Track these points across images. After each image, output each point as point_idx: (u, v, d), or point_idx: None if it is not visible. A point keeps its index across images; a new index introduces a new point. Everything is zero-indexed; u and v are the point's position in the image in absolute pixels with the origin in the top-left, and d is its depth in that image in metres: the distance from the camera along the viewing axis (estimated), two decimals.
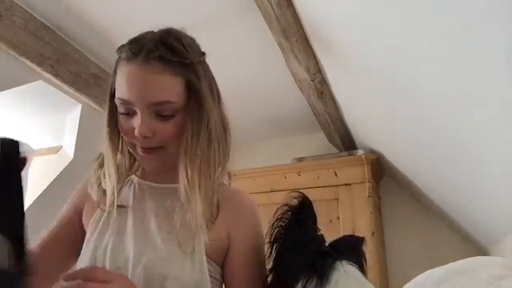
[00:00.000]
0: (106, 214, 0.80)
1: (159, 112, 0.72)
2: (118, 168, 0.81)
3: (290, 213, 0.77)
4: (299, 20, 1.71)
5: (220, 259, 0.78)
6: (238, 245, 0.79)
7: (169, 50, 0.73)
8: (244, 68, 2.25)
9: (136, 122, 0.72)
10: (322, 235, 0.78)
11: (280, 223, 0.77)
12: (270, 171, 2.55)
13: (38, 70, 1.90)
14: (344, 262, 0.73)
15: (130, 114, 0.74)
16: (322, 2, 1.50)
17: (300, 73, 1.98)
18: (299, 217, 0.76)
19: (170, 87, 0.72)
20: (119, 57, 0.76)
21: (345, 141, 2.65)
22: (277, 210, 0.79)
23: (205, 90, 0.76)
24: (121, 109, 0.75)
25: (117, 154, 0.81)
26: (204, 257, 0.74)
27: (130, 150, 0.79)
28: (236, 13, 1.85)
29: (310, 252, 0.72)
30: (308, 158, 2.61)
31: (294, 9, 1.65)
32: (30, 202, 2.24)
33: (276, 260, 0.76)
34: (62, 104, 2.20)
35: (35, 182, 2.31)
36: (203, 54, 0.82)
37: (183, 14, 1.91)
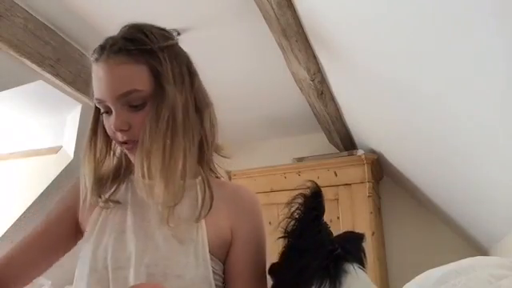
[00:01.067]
0: (103, 212, 0.80)
1: (129, 103, 0.73)
2: (115, 169, 0.82)
3: (304, 205, 0.75)
4: (299, 20, 1.71)
5: (223, 256, 0.78)
6: (241, 241, 0.78)
7: (128, 41, 0.73)
8: (244, 68, 2.25)
9: (111, 119, 0.74)
10: (331, 232, 0.78)
11: (295, 215, 0.75)
12: (269, 171, 2.55)
13: (38, 70, 1.90)
14: (355, 265, 0.72)
15: (109, 112, 0.75)
16: (322, 2, 1.50)
17: (300, 73, 1.98)
18: (314, 212, 0.74)
19: (133, 76, 0.72)
20: (91, 61, 0.78)
21: (345, 141, 2.65)
22: (293, 199, 0.76)
23: (169, 76, 0.75)
24: (101, 109, 0.77)
25: (95, 156, 0.80)
26: (207, 254, 0.74)
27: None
28: (236, 13, 1.85)
29: (324, 255, 0.71)
30: (308, 157, 2.61)
31: (294, 9, 1.65)
32: (30, 203, 2.24)
33: (288, 258, 0.74)
34: (62, 104, 2.20)
35: (34, 182, 2.31)
36: (170, 39, 0.79)
37: (183, 15, 1.91)
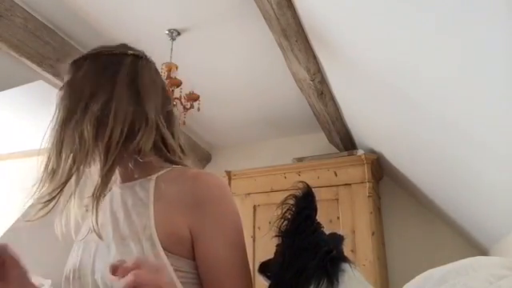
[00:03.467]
0: (82, 227, 0.80)
1: None
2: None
3: (295, 205, 0.75)
4: (299, 20, 1.71)
5: (183, 251, 0.72)
6: (203, 237, 0.72)
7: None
8: (244, 68, 2.25)
9: None
10: (325, 232, 0.77)
11: (287, 215, 0.75)
12: (269, 171, 2.55)
13: (38, 70, 1.90)
14: (351, 265, 0.72)
15: None
16: (322, 2, 1.50)
17: (300, 73, 1.98)
18: (305, 211, 0.74)
19: None
20: None
21: (345, 141, 2.65)
22: (285, 200, 0.76)
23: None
24: None
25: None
26: (161, 251, 0.69)
27: None
28: (236, 13, 1.85)
29: (322, 254, 0.70)
30: (308, 157, 2.61)
31: (294, 9, 1.65)
32: (30, 203, 2.24)
33: (285, 258, 0.73)
34: None
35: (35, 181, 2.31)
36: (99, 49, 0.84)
37: (183, 15, 1.91)
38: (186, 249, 0.72)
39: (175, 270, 0.70)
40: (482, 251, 2.27)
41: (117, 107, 0.75)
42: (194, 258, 0.73)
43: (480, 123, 1.32)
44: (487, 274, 0.57)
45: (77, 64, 0.82)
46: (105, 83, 0.77)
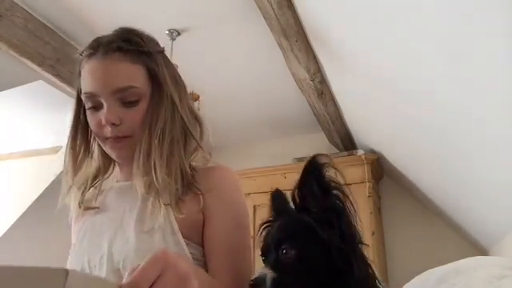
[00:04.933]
0: (86, 220, 0.81)
1: (124, 99, 0.75)
2: (94, 174, 0.83)
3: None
4: (299, 20, 1.71)
5: (197, 236, 0.76)
6: (214, 220, 0.77)
7: (125, 41, 0.77)
8: (244, 68, 2.25)
9: (102, 112, 0.76)
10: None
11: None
12: (269, 171, 2.55)
13: (38, 70, 1.91)
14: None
15: (97, 107, 0.76)
16: (322, 3, 1.50)
17: (300, 73, 1.98)
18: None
19: (130, 73, 0.76)
20: (81, 58, 0.80)
21: (345, 141, 2.65)
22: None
23: (166, 77, 0.79)
24: (88, 104, 0.78)
25: (78, 153, 0.82)
26: (181, 239, 0.72)
27: (102, 146, 0.81)
28: (236, 13, 1.85)
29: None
30: (308, 157, 2.60)
31: (294, 9, 1.65)
32: (30, 203, 2.24)
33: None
34: (62, 104, 2.20)
35: (35, 182, 2.32)
36: (163, 48, 0.84)
37: (184, 15, 1.91)
38: (198, 233, 0.76)
39: (193, 259, 0.73)
40: (482, 251, 2.27)
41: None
42: (202, 245, 0.77)
43: (481, 124, 1.32)
44: (487, 274, 0.57)
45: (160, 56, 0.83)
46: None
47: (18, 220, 2.22)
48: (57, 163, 2.26)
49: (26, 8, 1.79)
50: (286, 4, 1.60)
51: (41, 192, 2.25)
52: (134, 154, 0.77)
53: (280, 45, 1.82)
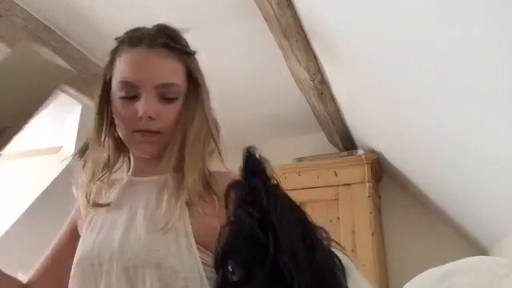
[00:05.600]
0: (96, 216, 0.81)
1: (164, 95, 0.77)
2: (104, 164, 0.83)
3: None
4: (299, 20, 1.71)
5: (211, 244, 0.71)
6: None
7: (170, 39, 0.80)
8: (244, 68, 2.25)
9: (140, 104, 0.76)
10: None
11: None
12: None
13: None
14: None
15: (133, 97, 0.77)
16: (322, 3, 1.50)
17: (300, 73, 1.98)
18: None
19: (174, 71, 0.79)
20: (118, 46, 0.82)
21: (345, 141, 2.65)
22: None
23: (202, 77, 0.84)
24: (122, 93, 0.78)
25: (101, 142, 0.83)
26: (193, 243, 0.72)
27: (123, 137, 0.81)
28: (236, 13, 1.85)
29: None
30: (308, 157, 2.60)
31: (294, 9, 1.65)
32: (31, 202, 2.24)
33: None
34: (61, 104, 2.20)
35: (35, 182, 2.31)
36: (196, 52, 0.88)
37: (183, 14, 1.91)
38: (212, 240, 0.72)
39: (203, 263, 0.72)
40: (482, 251, 2.27)
41: None
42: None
43: (481, 124, 1.32)
44: (488, 274, 0.57)
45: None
46: None
47: (18, 220, 2.22)
48: (57, 163, 2.26)
49: (25, 8, 1.79)
50: (286, 4, 1.60)
51: (41, 192, 2.24)
52: (158, 150, 0.79)
53: (280, 45, 1.82)
